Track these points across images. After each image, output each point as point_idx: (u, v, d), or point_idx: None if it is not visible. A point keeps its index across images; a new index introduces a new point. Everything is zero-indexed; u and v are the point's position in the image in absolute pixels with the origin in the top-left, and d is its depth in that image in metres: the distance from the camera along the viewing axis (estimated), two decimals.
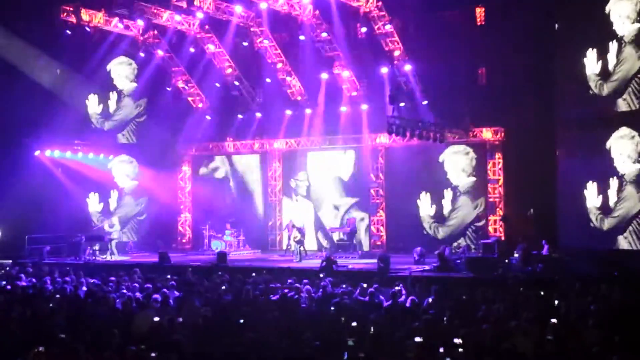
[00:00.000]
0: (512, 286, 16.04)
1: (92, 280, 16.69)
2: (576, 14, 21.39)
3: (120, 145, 30.01)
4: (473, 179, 25.24)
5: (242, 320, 11.53)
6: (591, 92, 20.97)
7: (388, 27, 23.88)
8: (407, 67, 24.71)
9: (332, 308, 12.54)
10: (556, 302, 12.81)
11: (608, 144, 20.50)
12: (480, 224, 24.94)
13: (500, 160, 24.62)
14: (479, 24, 24.12)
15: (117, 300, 13.30)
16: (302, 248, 24.18)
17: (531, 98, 22.83)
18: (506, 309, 11.85)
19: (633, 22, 19.87)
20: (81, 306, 13.31)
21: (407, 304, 12.73)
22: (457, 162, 25.49)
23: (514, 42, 22.72)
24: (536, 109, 22.81)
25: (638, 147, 19.85)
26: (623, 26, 20.12)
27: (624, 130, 20.18)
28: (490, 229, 24.50)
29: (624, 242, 20.14)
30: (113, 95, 29.95)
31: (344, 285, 15.38)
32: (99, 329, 10.64)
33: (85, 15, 24.78)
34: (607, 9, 20.41)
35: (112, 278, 16.65)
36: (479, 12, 24.03)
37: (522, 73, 22.73)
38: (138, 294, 14.16)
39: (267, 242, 28.62)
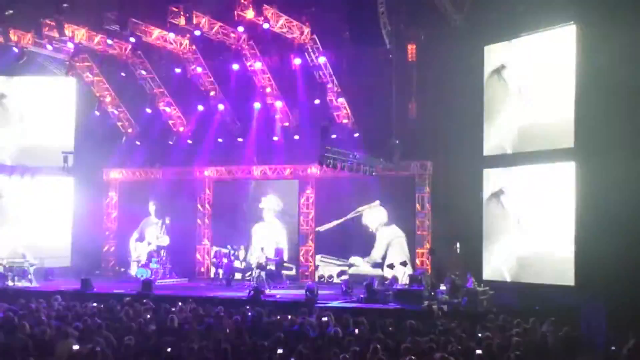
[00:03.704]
0: (438, 318, 16.21)
1: (7, 307, 16.06)
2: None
3: (46, 168, 28.97)
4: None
5: (169, 350, 11.28)
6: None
7: (322, 59, 24.16)
8: (340, 100, 25.05)
9: (259, 338, 12.40)
10: (479, 334, 12.99)
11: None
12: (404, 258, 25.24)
13: (428, 194, 24.99)
14: (410, 60, 24.55)
15: (35, 328, 12.83)
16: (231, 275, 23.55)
17: (461, 134, 23.26)
18: (432, 340, 11.94)
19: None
20: None
21: (334, 335, 12.69)
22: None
23: (444, 78, 23.20)
24: (465, 144, 23.25)
25: None
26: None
27: None
28: (418, 261, 24.73)
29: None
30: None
31: (279, 317, 15.23)
32: (14, 358, 10.23)
33: (13, 35, 24.25)
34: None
35: (32, 305, 16.10)
36: (411, 48, 24.46)
37: (452, 109, 23.19)
38: (58, 322, 13.70)
39: (195, 271, 28.23)
